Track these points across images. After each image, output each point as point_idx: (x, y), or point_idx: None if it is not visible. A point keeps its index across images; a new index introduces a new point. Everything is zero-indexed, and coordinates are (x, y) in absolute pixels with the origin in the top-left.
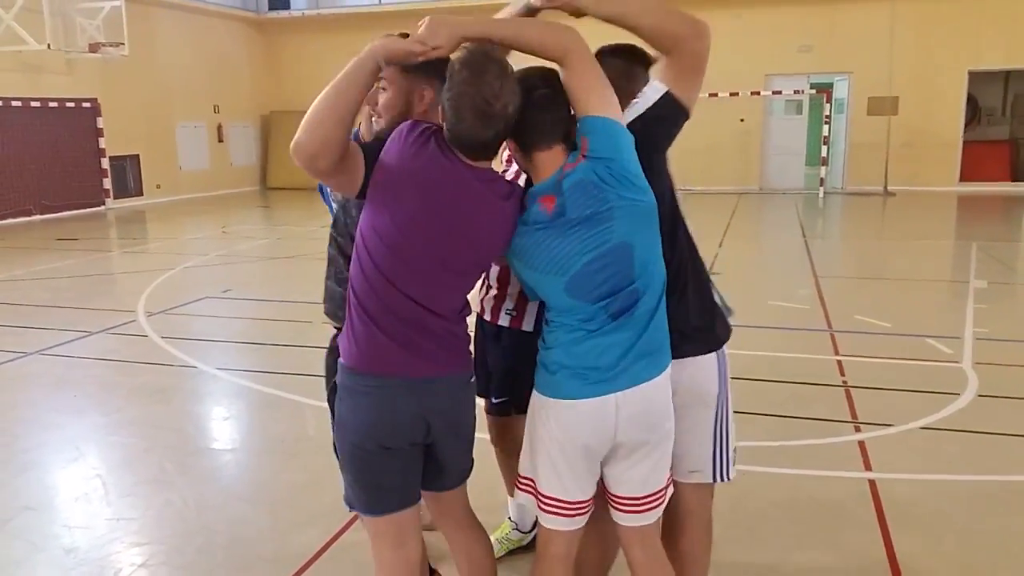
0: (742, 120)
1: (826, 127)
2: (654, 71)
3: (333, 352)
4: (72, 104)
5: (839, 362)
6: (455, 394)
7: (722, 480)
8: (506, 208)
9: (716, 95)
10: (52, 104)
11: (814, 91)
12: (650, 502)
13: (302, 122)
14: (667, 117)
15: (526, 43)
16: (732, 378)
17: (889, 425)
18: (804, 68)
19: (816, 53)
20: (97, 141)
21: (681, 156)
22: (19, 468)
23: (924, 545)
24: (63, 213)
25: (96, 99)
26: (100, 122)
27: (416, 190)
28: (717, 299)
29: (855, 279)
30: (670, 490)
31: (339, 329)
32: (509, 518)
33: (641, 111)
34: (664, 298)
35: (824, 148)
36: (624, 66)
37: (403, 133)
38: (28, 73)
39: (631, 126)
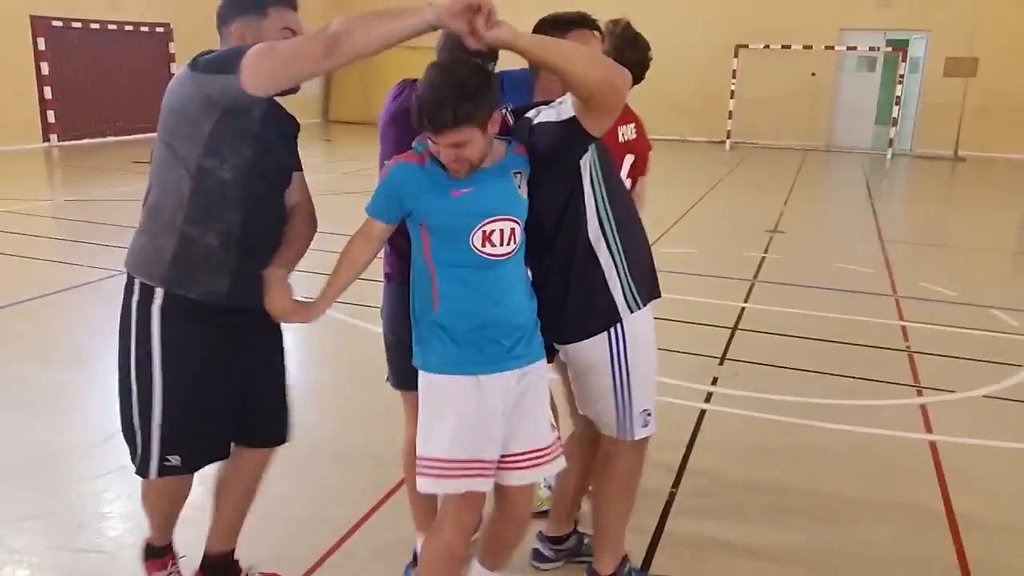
0: (813, 74)
1: (899, 86)
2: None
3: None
4: (146, 29)
5: (903, 327)
6: None
7: (626, 437)
8: None
9: (789, 47)
10: (128, 28)
11: (890, 48)
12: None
13: None
14: (568, 139)
15: (564, 71)
16: (797, 337)
17: (951, 391)
18: (881, 23)
19: (895, 8)
20: (169, 67)
21: (750, 107)
22: None
23: (981, 503)
24: (137, 136)
25: (169, 24)
26: (172, 47)
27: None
28: (620, 290)
29: (920, 245)
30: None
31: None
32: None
33: (549, 119)
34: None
35: (896, 108)
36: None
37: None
38: None
39: (536, 127)
